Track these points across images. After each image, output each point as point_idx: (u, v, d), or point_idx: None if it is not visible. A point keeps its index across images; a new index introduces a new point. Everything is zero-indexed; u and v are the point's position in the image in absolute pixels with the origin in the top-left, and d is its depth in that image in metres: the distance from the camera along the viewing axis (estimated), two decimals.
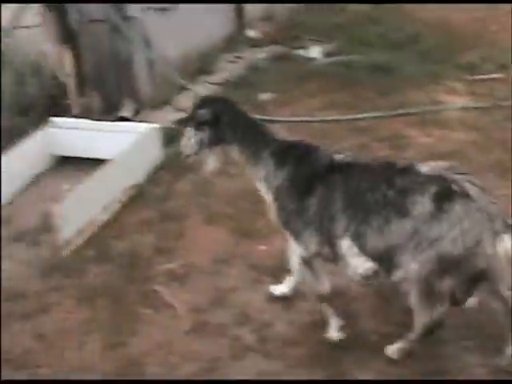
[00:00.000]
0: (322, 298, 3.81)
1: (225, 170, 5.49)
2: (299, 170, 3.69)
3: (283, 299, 4.11)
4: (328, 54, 8.15)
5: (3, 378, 3.73)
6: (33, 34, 6.63)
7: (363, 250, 3.46)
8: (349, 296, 4.13)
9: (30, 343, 3.97)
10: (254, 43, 8.68)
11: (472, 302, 3.57)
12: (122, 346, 3.90)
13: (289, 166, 3.70)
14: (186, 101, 6.70)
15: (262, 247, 4.54)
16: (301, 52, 8.31)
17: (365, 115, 6.29)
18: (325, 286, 3.79)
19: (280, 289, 4.11)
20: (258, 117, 6.21)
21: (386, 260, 3.44)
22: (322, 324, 3.87)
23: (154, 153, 5.71)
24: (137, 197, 5.29)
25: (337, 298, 3.96)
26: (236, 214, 4.91)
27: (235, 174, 5.44)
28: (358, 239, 3.46)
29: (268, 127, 3.91)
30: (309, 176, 3.64)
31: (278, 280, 4.17)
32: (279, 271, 4.20)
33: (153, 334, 3.98)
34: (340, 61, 7.80)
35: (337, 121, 6.25)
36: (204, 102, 3.91)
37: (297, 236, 3.69)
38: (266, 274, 4.28)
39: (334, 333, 3.80)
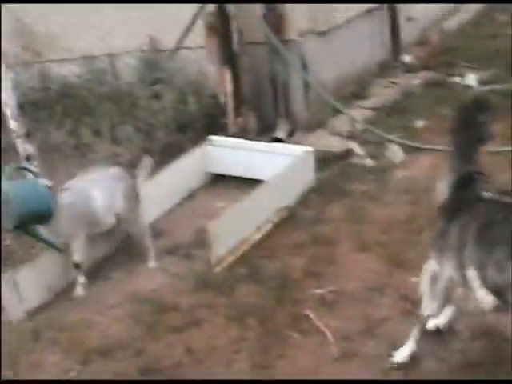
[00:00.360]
0: None
1: (379, 197, 5.48)
2: (457, 192, 3.61)
3: (435, 333, 3.98)
4: (484, 82, 7.91)
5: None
6: (195, 54, 6.83)
7: (485, 281, 3.36)
8: None
9: (180, 356, 4.05)
10: (409, 69, 8.58)
11: None
12: (269, 368, 3.90)
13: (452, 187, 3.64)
14: (340, 124, 6.73)
15: (414, 278, 4.41)
16: (456, 79, 8.11)
17: None
18: (437, 310, 3.72)
19: (434, 321, 3.99)
20: (412, 143, 6.21)
21: (503, 295, 3.32)
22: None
23: (307, 176, 5.72)
24: (288, 219, 5.31)
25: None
26: (388, 242, 4.82)
27: (389, 202, 5.40)
28: (481, 270, 3.35)
29: None
30: (461, 201, 3.56)
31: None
32: None
33: (300, 358, 3.95)
34: (497, 89, 7.55)
35: (496, 152, 6.03)
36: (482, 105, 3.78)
37: (436, 255, 3.63)
38: (418, 307, 4.15)
39: None
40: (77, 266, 4.87)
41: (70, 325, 4.46)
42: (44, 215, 4.64)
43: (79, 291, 4.85)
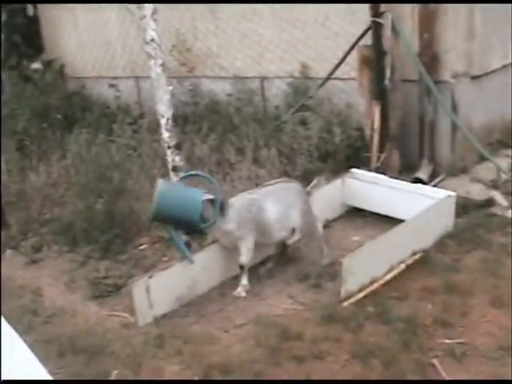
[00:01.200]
0: None
1: None
2: None
3: None
4: None
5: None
6: (345, 85, 6.87)
7: None
8: None
9: None
10: None
11: None
12: None
13: None
14: (484, 172, 6.56)
15: None
16: None
17: None
18: None
19: None
20: None
21: None
22: None
23: (447, 221, 5.61)
24: (422, 262, 5.19)
25: None
26: None
27: None
28: None
29: None
30: None
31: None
32: None
33: None
34: None
35: None
36: None
37: None
38: None
39: None
40: (241, 267, 5.12)
41: (194, 337, 4.57)
42: (186, 223, 4.88)
43: (241, 292, 5.09)
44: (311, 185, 5.57)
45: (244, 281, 5.12)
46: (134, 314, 4.79)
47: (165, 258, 5.64)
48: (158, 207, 4.82)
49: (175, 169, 5.26)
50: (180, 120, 7.00)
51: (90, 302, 5.22)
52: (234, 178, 6.18)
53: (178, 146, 5.26)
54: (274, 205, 5.16)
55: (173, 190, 4.98)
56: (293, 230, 5.27)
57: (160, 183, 4.92)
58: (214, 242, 5.20)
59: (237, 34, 7.65)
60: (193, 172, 5.33)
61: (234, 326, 4.69)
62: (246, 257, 5.09)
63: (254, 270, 5.29)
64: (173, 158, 5.24)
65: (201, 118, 7.47)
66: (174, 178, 5.27)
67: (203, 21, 7.87)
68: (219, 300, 5.04)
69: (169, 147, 5.22)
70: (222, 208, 4.99)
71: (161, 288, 4.82)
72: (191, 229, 4.98)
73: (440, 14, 6.39)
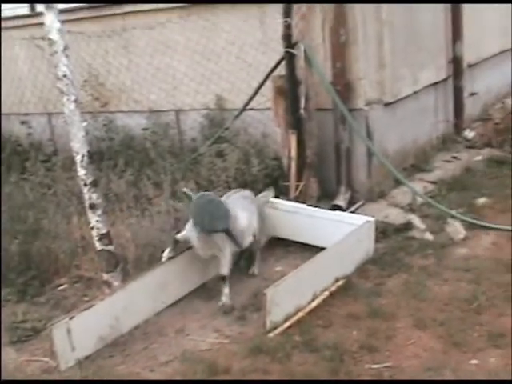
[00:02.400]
0: None
1: (438, 273, 5.40)
2: None
3: None
4: None
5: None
6: (261, 116, 6.91)
7: None
8: None
9: None
10: (472, 144, 8.56)
11: None
12: None
13: None
14: (401, 196, 6.69)
15: (474, 361, 4.30)
16: None
17: None
18: None
19: None
20: (474, 221, 6.13)
21: None
22: None
23: (367, 246, 5.67)
24: (346, 289, 5.22)
25: None
26: (447, 321, 4.69)
27: (449, 279, 5.31)
28: None
29: None
30: None
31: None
32: None
33: None
34: None
35: None
36: None
37: None
38: None
39: None
40: (223, 278, 5.25)
41: (120, 378, 4.43)
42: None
43: (227, 301, 5.21)
44: (262, 194, 6.06)
45: (226, 290, 5.23)
46: (56, 358, 4.61)
47: (86, 298, 5.48)
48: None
49: (92, 206, 5.15)
50: (95, 156, 6.88)
51: (7, 347, 5.00)
52: (152, 213, 6.09)
53: (94, 183, 5.14)
54: (243, 212, 5.43)
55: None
56: (254, 236, 5.55)
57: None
58: (134, 280, 5.11)
59: (150, 68, 7.62)
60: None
61: (160, 363, 4.58)
62: (226, 267, 5.25)
63: (187, 300, 5.31)
64: (89, 196, 5.13)
65: (116, 154, 7.36)
66: (91, 216, 5.16)
67: (116, 55, 7.81)
68: (144, 338, 4.91)
69: (85, 184, 5.11)
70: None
71: (83, 329, 4.66)
72: None
73: (350, 44, 6.52)
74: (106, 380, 4.20)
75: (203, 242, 5.18)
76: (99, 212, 5.17)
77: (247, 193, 5.81)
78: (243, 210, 5.46)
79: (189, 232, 5.22)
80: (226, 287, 5.24)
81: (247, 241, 5.47)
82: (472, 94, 9.40)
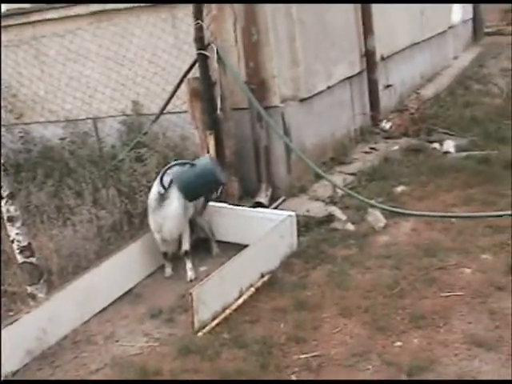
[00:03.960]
0: None
1: (361, 262, 5.51)
2: None
3: None
4: (462, 149, 8.07)
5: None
6: (178, 119, 6.92)
7: None
8: None
9: None
10: (388, 135, 8.76)
11: None
12: None
13: None
14: (322, 190, 6.80)
15: (398, 343, 4.41)
16: (434, 145, 8.26)
17: (504, 213, 6.09)
18: None
19: None
20: (392, 209, 6.27)
21: None
22: None
23: (290, 240, 5.75)
24: (271, 283, 5.29)
25: None
26: (371, 307, 4.80)
27: (371, 266, 5.43)
28: None
29: None
30: None
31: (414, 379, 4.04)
32: (416, 371, 4.06)
33: None
34: (474, 156, 7.71)
35: (473, 217, 6.11)
36: None
37: None
38: (403, 372, 4.12)
39: None
40: (186, 253, 5.68)
41: None
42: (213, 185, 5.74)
43: (193, 275, 5.61)
44: None
45: (189, 265, 5.65)
46: None
47: (11, 313, 5.37)
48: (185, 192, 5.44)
49: (11, 219, 5.07)
50: (13, 168, 6.79)
51: None
52: (75, 222, 6.02)
53: (11, 196, 5.07)
54: None
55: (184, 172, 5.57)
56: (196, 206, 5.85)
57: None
58: (59, 290, 5.06)
59: (63, 77, 7.53)
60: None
61: (91, 372, 4.54)
62: (187, 243, 5.68)
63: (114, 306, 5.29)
64: (7, 209, 5.05)
65: (35, 165, 7.25)
66: (10, 229, 5.08)
67: (27, 66, 7.68)
68: (72, 348, 4.87)
69: (1, 197, 5.02)
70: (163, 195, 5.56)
71: (9, 343, 4.58)
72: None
73: (262, 43, 6.60)
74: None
75: (176, 219, 5.53)
76: (18, 224, 5.10)
77: (175, 168, 5.86)
78: None
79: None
80: (189, 262, 5.65)
81: (190, 211, 5.75)
82: (387, 87, 9.63)
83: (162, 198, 5.53)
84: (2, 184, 5.01)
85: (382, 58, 9.37)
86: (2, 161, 5.04)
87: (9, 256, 5.64)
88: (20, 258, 5.18)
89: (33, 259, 5.21)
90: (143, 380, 4.11)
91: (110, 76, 7.30)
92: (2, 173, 5.00)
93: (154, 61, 7.02)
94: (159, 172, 5.70)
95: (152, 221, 5.63)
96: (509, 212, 6.03)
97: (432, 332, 4.45)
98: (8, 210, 5.06)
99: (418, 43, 11.41)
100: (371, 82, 9.00)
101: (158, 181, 5.65)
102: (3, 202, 5.04)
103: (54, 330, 4.92)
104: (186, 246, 5.66)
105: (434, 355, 4.20)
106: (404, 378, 4.05)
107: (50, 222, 6.09)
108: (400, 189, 6.97)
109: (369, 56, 8.90)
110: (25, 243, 5.15)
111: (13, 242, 5.16)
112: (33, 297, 5.21)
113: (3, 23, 7.40)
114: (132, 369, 4.41)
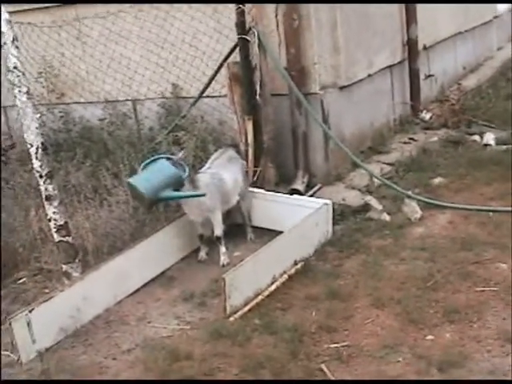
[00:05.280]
0: None
1: (395, 253, 5.47)
2: None
3: None
4: (502, 142, 7.96)
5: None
6: (217, 103, 6.92)
7: None
8: None
9: None
10: (428, 126, 8.66)
11: None
12: None
13: None
14: (358, 179, 6.76)
15: (430, 337, 4.38)
16: (474, 138, 8.15)
17: None
18: None
19: None
20: (429, 200, 6.21)
21: None
22: None
23: (325, 229, 5.73)
24: (304, 271, 5.29)
25: None
26: (404, 299, 4.76)
27: (405, 258, 5.39)
28: None
29: None
30: None
31: (445, 374, 4.01)
32: (447, 365, 4.03)
33: None
34: None
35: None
36: None
37: None
38: (433, 366, 4.09)
39: None
40: (218, 238, 5.68)
41: (82, 368, 4.45)
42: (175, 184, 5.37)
43: (225, 259, 5.63)
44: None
45: (223, 249, 5.66)
46: (17, 352, 4.59)
47: (46, 290, 5.46)
48: (148, 195, 5.25)
49: (48, 198, 5.13)
50: (53, 148, 6.85)
51: None
52: (111, 203, 6.08)
53: (50, 175, 5.12)
54: (228, 174, 5.79)
55: (144, 174, 5.42)
56: (240, 195, 5.93)
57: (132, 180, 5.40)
58: (94, 270, 5.11)
59: (104, 58, 7.57)
60: (153, 158, 5.59)
61: (122, 352, 4.60)
62: (219, 228, 5.67)
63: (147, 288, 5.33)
64: (45, 187, 5.11)
65: (74, 145, 7.32)
66: (47, 207, 5.14)
67: (69, 46, 7.74)
68: (105, 327, 4.94)
69: (40, 176, 5.09)
70: (192, 181, 5.50)
71: (43, 321, 4.67)
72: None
73: (304, 29, 6.55)
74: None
75: (191, 205, 5.56)
76: (56, 203, 5.16)
77: (232, 153, 6.10)
78: (228, 171, 5.82)
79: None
80: (222, 247, 5.67)
81: (234, 200, 5.87)
82: (428, 76, 9.50)
83: (192, 181, 5.53)
84: (42, 163, 5.06)
85: (425, 48, 9.24)
86: (42, 140, 5.09)
87: (46, 234, 5.72)
88: (56, 237, 5.25)
89: (69, 238, 5.27)
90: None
91: (151, 58, 7.31)
92: (42, 151, 5.06)
93: (195, 44, 7.01)
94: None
95: (183, 202, 5.67)
96: None
97: (465, 327, 4.41)
98: (46, 189, 5.12)
99: (462, 33, 11.22)
100: (412, 72, 8.89)
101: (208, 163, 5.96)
102: (42, 180, 5.10)
103: (88, 309, 4.99)
104: (217, 231, 5.67)
105: (466, 350, 4.16)
106: (435, 372, 4.01)
107: (86, 201, 6.16)
108: (437, 180, 6.89)
109: (411, 45, 8.79)
110: (61, 222, 5.22)
111: (50, 220, 5.23)
112: (68, 275, 5.28)
113: (47, 4, 7.48)
114: (163, 351, 4.46)
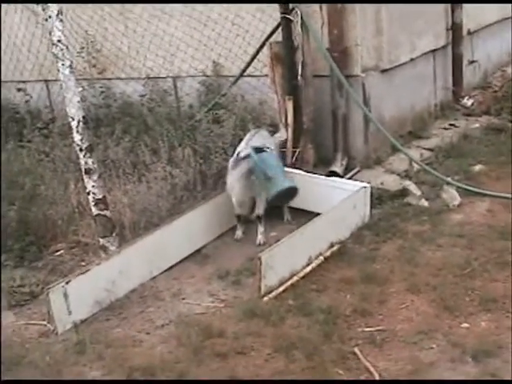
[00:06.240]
0: None
1: (433, 239, 5.42)
2: None
3: None
4: None
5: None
6: (257, 82, 6.89)
7: None
8: None
9: None
10: (470, 112, 8.54)
11: None
12: None
13: None
14: (397, 163, 6.70)
15: (465, 325, 4.34)
16: None
17: None
18: None
19: None
20: (469, 187, 6.14)
21: None
22: None
23: (362, 212, 5.70)
24: (340, 254, 5.28)
25: None
26: (440, 285, 4.73)
27: (443, 244, 5.34)
28: None
29: None
30: None
31: (480, 364, 3.97)
32: (482, 354, 4.00)
33: None
34: None
35: None
36: None
37: None
38: (468, 354, 4.05)
39: None
40: (259, 217, 5.70)
41: (116, 341, 4.49)
42: None
43: (261, 238, 5.66)
44: (277, 135, 6.40)
45: (261, 229, 5.69)
46: (53, 322, 4.65)
47: (83, 263, 5.53)
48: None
49: (88, 171, 5.17)
50: (93, 123, 6.89)
51: (6, 311, 5.04)
52: (149, 179, 6.10)
53: (90, 149, 5.15)
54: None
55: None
56: None
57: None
58: (130, 245, 5.15)
59: (147, 34, 7.57)
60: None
61: (156, 327, 4.64)
62: (262, 208, 5.68)
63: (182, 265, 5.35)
64: (85, 161, 5.14)
65: (114, 120, 7.34)
66: (87, 181, 5.18)
67: (112, 22, 7.75)
68: (140, 302, 4.97)
69: (81, 150, 5.12)
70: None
71: (79, 293, 4.71)
72: None
73: (347, 11, 6.49)
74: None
75: (247, 186, 5.56)
76: (95, 177, 5.19)
77: (265, 133, 6.13)
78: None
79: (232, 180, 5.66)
80: (261, 226, 5.69)
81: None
82: (472, 62, 9.36)
83: (238, 159, 5.53)
84: (82, 136, 5.09)
85: (469, 33, 9.09)
86: (84, 114, 5.12)
87: (84, 208, 5.77)
88: (94, 211, 5.28)
89: (107, 212, 5.30)
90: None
91: (193, 35, 7.30)
92: (83, 125, 5.09)
93: (237, 22, 6.98)
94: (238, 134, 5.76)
95: (228, 180, 5.70)
96: None
97: (501, 316, 4.36)
98: (86, 163, 5.15)
99: (508, 18, 11.03)
100: (456, 57, 8.76)
101: (244, 143, 5.82)
102: (82, 154, 5.13)
103: (123, 283, 5.02)
104: (259, 210, 5.67)
105: (501, 340, 4.12)
106: (469, 360, 3.98)
107: (125, 177, 6.19)
108: (478, 168, 6.81)
109: (455, 29, 8.65)
110: (100, 196, 5.25)
111: (88, 194, 5.26)
112: (104, 249, 5.32)
113: None
114: (197, 327, 4.47)
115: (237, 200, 5.66)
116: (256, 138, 5.90)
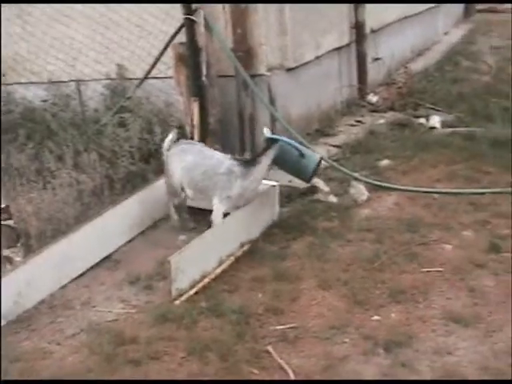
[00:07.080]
0: None
1: (342, 234, 5.48)
2: None
3: None
4: (448, 125, 8.05)
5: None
6: (163, 84, 6.83)
7: None
8: None
9: None
10: (375, 108, 8.72)
11: None
12: None
13: None
14: None
15: (376, 317, 4.40)
16: (420, 120, 8.24)
17: (486, 190, 6.08)
18: None
19: None
20: (376, 182, 6.24)
21: None
22: None
23: (271, 211, 5.71)
24: (251, 253, 5.27)
25: None
26: (351, 280, 4.79)
27: (352, 239, 5.41)
28: None
29: None
30: None
31: (391, 354, 4.03)
32: (393, 345, 4.06)
33: None
34: (460, 132, 7.69)
35: (456, 194, 6.09)
36: None
37: None
38: (379, 346, 4.11)
39: None
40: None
41: (25, 354, 4.33)
42: None
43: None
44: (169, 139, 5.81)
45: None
46: None
47: None
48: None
49: None
50: None
51: None
52: (55, 186, 5.95)
53: None
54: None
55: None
56: None
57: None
58: (37, 254, 5.01)
59: (47, 37, 7.39)
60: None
61: (66, 337, 4.51)
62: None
63: (92, 272, 5.16)
64: None
65: (16, 127, 7.14)
66: None
67: (8, 24, 7.52)
68: (49, 312, 4.82)
69: None
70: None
71: None
72: None
73: (251, 11, 6.50)
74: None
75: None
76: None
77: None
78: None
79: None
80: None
81: None
82: (376, 59, 9.55)
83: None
84: None
85: (372, 31, 9.28)
86: None
87: None
88: None
89: (10, 222, 5.16)
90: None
91: (95, 38, 7.18)
92: None
93: (141, 24, 6.90)
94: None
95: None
96: (491, 189, 6.05)
97: (411, 307, 4.46)
98: None
99: (409, 17, 11.32)
100: (360, 54, 8.93)
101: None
102: None
103: (31, 294, 4.86)
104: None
105: (411, 330, 4.21)
106: (381, 352, 4.04)
107: (29, 184, 6.01)
108: (384, 163, 6.95)
109: (358, 28, 8.83)
110: (3, 205, 5.10)
111: None
112: (10, 260, 5.15)
113: None
114: (108, 335, 4.38)
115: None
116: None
